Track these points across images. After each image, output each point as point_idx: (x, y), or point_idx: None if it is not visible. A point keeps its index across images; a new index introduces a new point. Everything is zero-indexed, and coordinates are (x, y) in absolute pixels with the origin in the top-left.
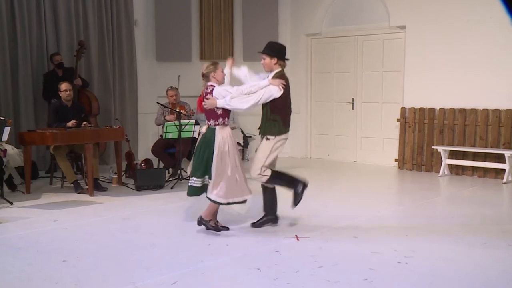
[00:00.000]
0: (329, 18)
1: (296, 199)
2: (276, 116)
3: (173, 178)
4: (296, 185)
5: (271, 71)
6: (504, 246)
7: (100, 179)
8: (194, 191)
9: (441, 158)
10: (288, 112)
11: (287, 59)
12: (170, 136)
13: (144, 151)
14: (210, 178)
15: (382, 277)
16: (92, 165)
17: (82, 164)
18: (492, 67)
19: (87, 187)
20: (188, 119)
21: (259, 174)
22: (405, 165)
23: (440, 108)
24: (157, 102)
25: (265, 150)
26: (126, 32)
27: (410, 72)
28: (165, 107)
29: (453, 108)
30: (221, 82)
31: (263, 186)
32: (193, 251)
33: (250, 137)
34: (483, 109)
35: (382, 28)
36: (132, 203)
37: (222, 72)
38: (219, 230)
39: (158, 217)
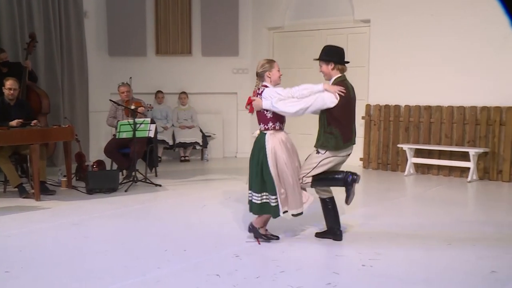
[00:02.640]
0: (292, 11)
1: (349, 195)
2: (333, 128)
3: (128, 181)
4: (343, 179)
5: (330, 78)
6: (469, 247)
7: (48, 182)
8: (256, 209)
9: (407, 157)
10: (349, 124)
11: (347, 62)
12: (124, 135)
13: (96, 151)
14: (272, 194)
15: (346, 281)
16: (38, 168)
17: (27, 167)
18: (457, 64)
19: (33, 191)
20: (144, 116)
21: (301, 183)
22: (370, 164)
23: (405, 105)
24: (110, 100)
25: (312, 162)
26: (75, 24)
27: (375, 68)
28: (119, 104)
29: (419, 105)
30: (276, 83)
31: (320, 199)
32: (148, 257)
33: (210, 136)
34: (448, 106)
35: (346, 22)
36: (83, 207)
37: (279, 71)
38: (269, 240)
39: (111, 222)
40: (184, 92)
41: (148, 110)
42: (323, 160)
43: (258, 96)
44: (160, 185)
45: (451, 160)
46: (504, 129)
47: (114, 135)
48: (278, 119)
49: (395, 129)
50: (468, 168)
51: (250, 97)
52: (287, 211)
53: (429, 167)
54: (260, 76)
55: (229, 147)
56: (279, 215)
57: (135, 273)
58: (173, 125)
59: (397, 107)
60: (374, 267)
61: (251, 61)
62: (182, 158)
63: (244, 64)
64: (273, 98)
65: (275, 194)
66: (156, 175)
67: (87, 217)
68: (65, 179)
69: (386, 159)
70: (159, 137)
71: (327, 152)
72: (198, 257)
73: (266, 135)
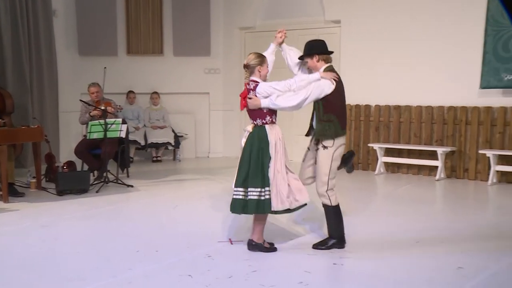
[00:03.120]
0: (264, 11)
1: (323, 246)
2: (331, 115)
3: (99, 181)
4: (334, 238)
5: (318, 71)
6: (437, 244)
7: (16, 183)
8: (253, 207)
9: (377, 156)
10: (344, 111)
11: (332, 52)
12: (95, 136)
13: (66, 152)
14: (267, 186)
15: (318, 280)
16: (6, 169)
17: None
18: (426, 64)
19: (1, 193)
20: (115, 116)
21: (327, 190)
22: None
23: (375, 105)
24: (80, 100)
25: (326, 160)
26: (43, 23)
27: (346, 68)
28: (89, 105)
29: (388, 105)
30: (264, 78)
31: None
32: (120, 259)
33: (182, 136)
34: (416, 106)
35: (317, 22)
36: (52, 209)
37: (267, 67)
38: (276, 250)
39: (82, 223)
40: (155, 92)
41: (118, 111)
42: (335, 153)
43: (251, 92)
44: (132, 186)
45: (420, 159)
46: (470, 128)
47: (85, 135)
48: (274, 112)
49: (365, 129)
50: (436, 167)
51: (244, 92)
52: (289, 209)
53: (399, 166)
54: (249, 68)
55: (201, 147)
56: (270, 210)
57: (106, 275)
58: (144, 125)
59: (367, 107)
60: (345, 265)
61: (223, 61)
62: (154, 159)
63: (216, 64)
64: (272, 95)
65: (269, 187)
66: (128, 176)
67: (57, 219)
68: (34, 180)
69: (357, 159)
70: (131, 137)
71: (334, 142)
72: (170, 257)
73: (266, 128)
